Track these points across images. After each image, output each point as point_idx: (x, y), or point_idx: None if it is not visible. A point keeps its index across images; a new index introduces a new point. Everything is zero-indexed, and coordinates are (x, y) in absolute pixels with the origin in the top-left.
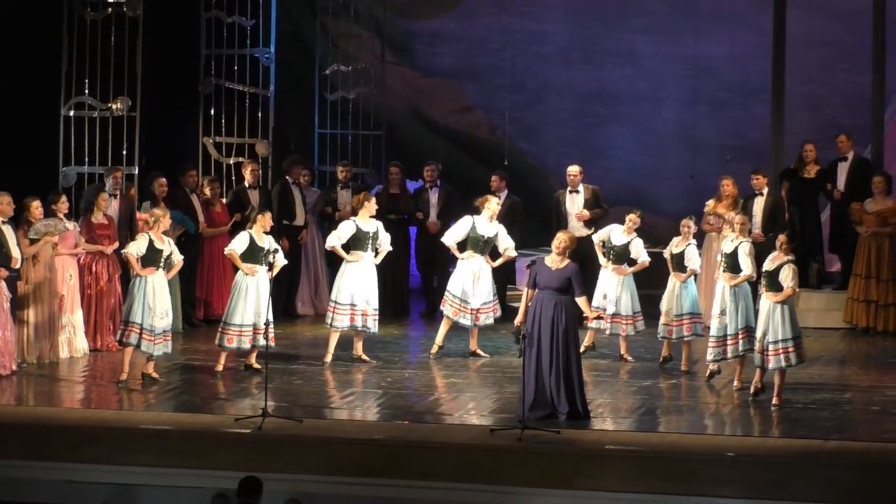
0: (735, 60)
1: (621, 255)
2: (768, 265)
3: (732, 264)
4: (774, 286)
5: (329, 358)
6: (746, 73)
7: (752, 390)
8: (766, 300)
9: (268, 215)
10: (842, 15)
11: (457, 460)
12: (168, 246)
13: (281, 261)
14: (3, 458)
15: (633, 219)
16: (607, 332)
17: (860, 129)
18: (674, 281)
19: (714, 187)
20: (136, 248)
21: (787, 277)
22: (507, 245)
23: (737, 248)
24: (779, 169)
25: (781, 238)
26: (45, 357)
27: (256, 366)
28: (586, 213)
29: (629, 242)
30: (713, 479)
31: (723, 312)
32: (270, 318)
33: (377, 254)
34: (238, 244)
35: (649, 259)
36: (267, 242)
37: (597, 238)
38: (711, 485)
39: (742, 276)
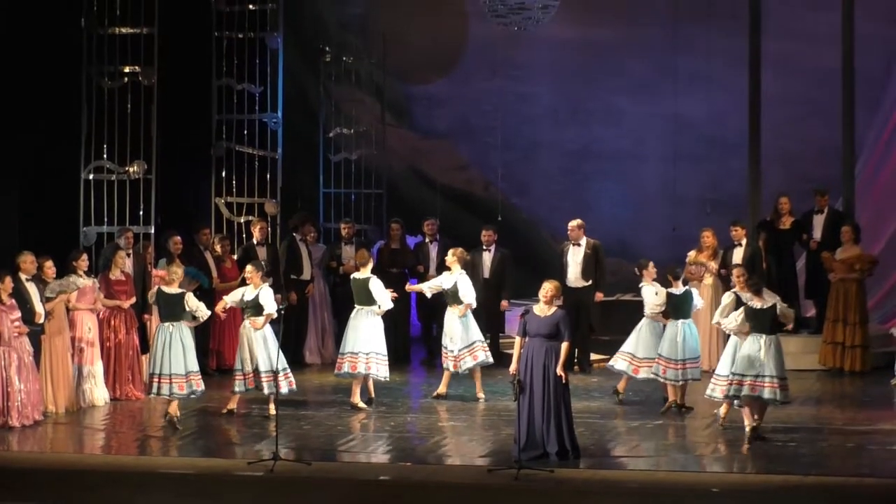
0: (713, 118)
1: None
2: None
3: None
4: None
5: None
6: (724, 129)
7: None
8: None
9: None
10: (813, 74)
11: (457, 499)
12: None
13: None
14: (29, 501)
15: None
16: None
17: (832, 180)
18: (674, 325)
19: (695, 238)
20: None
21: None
22: (463, 293)
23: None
24: (756, 220)
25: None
26: (62, 407)
27: (271, 412)
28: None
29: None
30: None
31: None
32: (274, 367)
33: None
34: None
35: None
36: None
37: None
38: None
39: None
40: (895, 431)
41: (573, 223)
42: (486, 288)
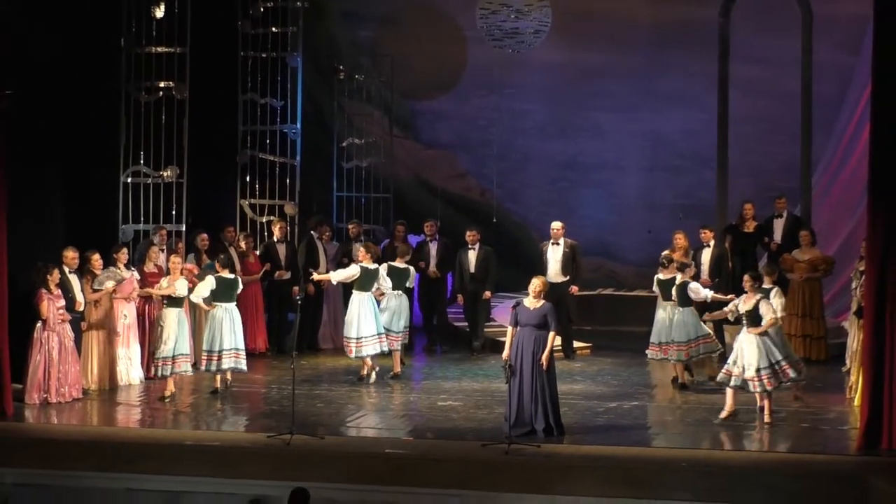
0: (687, 134)
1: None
2: (744, 306)
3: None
4: (755, 321)
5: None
6: (696, 144)
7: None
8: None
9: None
10: (776, 96)
11: (453, 470)
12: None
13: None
14: (72, 470)
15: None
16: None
17: (792, 190)
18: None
19: (669, 240)
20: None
21: (768, 310)
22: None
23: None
24: (723, 224)
25: (746, 279)
26: (105, 385)
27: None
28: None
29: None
30: (670, 486)
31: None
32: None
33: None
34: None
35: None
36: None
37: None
38: (669, 490)
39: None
40: (845, 413)
41: (557, 224)
42: (472, 281)
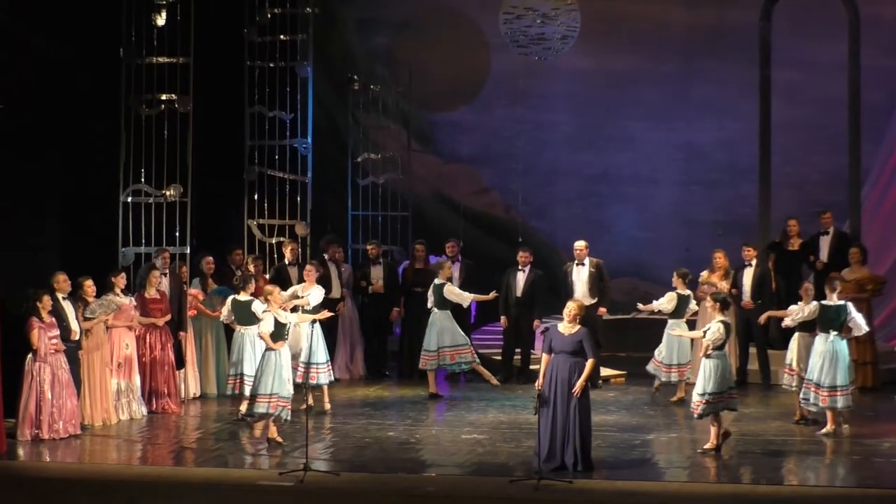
0: (724, 144)
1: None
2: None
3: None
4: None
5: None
6: (734, 155)
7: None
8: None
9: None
10: (821, 102)
11: None
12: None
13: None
14: None
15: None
16: None
17: (839, 204)
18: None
19: (707, 259)
20: (266, 328)
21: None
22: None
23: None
24: (765, 242)
25: (710, 302)
26: (102, 419)
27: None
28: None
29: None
30: None
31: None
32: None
33: None
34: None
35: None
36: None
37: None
38: None
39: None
40: None
41: (581, 243)
42: (518, 306)
